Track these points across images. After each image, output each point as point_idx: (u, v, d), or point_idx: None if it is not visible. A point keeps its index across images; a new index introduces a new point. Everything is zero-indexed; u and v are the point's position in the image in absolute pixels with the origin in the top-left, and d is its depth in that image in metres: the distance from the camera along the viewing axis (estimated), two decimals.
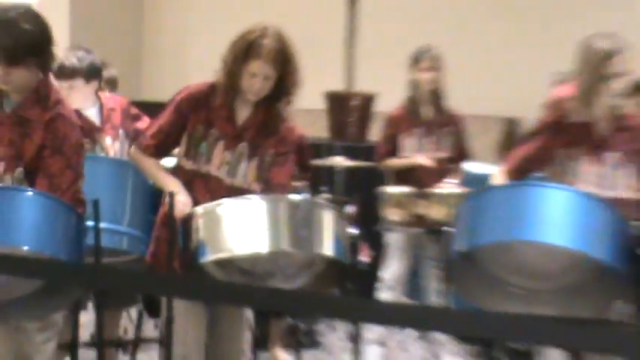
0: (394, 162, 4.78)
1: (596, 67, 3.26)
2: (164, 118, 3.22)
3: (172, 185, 3.13)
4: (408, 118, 4.79)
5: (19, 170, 2.87)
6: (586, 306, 3.10)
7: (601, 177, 3.30)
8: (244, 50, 3.06)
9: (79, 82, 3.82)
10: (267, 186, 3.24)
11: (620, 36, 3.33)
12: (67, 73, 3.79)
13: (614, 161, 3.33)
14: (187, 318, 3.25)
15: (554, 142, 3.29)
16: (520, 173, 3.36)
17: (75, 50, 3.92)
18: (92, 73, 3.88)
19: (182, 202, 3.08)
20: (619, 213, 2.89)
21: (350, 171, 4.90)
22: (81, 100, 3.82)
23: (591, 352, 3.56)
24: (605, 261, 2.90)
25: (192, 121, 3.20)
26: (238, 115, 3.19)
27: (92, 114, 3.91)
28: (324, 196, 4.50)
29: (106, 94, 4.02)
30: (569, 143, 3.27)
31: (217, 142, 3.22)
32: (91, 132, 3.82)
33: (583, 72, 3.29)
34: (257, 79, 3.07)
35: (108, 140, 3.83)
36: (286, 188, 3.40)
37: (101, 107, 3.95)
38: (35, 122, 2.84)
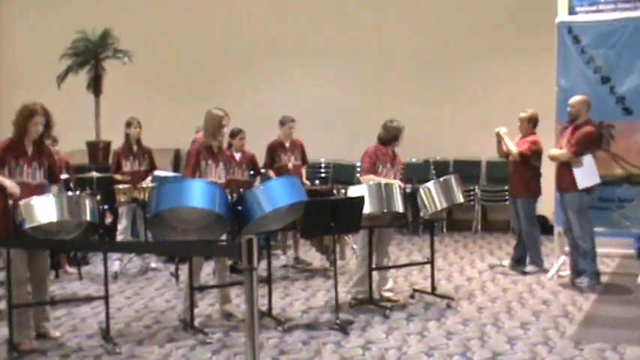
0: (119, 176, 7.74)
1: (216, 124, 6.00)
2: None
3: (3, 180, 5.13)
4: (125, 152, 7.83)
5: None
6: (212, 235, 5.64)
7: (219, 175, 5.99)
8: (30, 112, 5.30)
9: None
10: (53, 181, 5.54)
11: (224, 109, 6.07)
12: None
13: (235, 164, 6.12)
14: (18, 256, 5.21)
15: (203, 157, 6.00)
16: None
17: None
18: None
19: (11, 185, 5.11)
20: (226, 191, 5.56)
21: (99, 178, 7.76)
22: None
23: (214, 256, 6.16)
24: (221, 213, 5.46)
25: (8, 158, 5.26)
26: (28, 149, 5.38)
27: None
28: (87, 191, 6.34)
29: None
30: (206, 157, 5.99)
31: (23, 165, 5.34)
32: None
33: (208, 126, 6.05)
34: (38, 125, 5.29)
35: None
36: (60, 182, 5.68)
37: None
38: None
